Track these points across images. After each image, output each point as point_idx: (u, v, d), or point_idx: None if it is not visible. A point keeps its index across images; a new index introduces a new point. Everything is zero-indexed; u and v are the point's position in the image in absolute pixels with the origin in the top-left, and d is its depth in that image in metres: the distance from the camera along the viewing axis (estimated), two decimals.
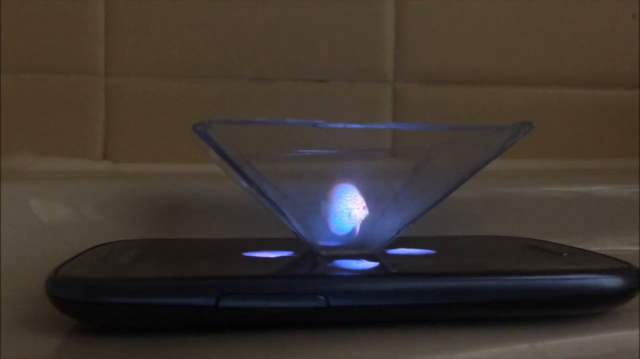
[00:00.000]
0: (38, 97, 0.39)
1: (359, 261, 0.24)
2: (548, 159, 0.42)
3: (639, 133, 0.43)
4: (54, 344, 0.20)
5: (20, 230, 0.32)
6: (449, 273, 0.23)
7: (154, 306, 0.20)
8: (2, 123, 0.38)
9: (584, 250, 0.27)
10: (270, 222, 0.27)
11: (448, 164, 0.27)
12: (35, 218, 0.33)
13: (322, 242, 0.26)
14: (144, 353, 0.19)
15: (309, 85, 0.40)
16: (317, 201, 0.26)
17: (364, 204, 0.26)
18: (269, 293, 0.20)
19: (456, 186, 0.25)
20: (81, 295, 0.20)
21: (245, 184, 0.24)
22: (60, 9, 0.39)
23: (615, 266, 0.23)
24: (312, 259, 0.25)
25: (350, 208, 0.26)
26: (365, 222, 0.26)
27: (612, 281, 0.22)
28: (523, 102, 0.42)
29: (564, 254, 0.26)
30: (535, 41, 0.42)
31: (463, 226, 0.35)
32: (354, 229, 0.26)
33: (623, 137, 0.43)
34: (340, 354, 0.20)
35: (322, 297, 0.20)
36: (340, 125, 0.24)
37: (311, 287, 0.21)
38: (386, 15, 0.41)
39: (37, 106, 0.39)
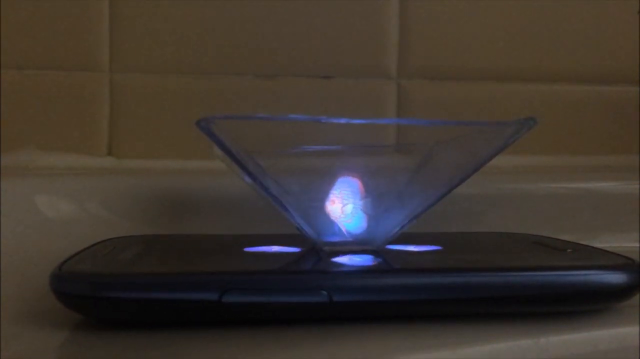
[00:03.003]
0: (43, 94, 0.39)
1: (362, 257, 0.24)
2: (551, 155, 0.42)
3: None
4: (58, 339, 0.20)
5: (24, 226, 0.33)
6: (452, 268, 0.23)
7: (158, 301, 0.20)
8: (7, 119, 0.38)
9: (588, 246, 0.27)
10: (273, 218, 0.27)
11: (451, 160, 0.27)
12: (40, 214, 0.33)
13: (325, 238, 0.26)
14: (147, 347, 0.19)
15: (314, 82, 0.40)
16: (321, 197, 0.26)
17: (367, 200, 0.26)
18: (272, 288, 0.21)
19: (459, 182, 0.25)
20: (85, 290, 0.20)
21: (248, 180, 0.24)
22: (64, 5, 0.39)
23: (619, 262, 0.23)
24: (315, 254, 0.25)
25: (353, 204, 0.26)
26: (369, 218, 0.26)
27: (615, 277, 0.22)
28: (526, 99, 0.42)
29: (568, 250, 0.26)
30: (538, 38, 0.42)
31: (466, 222, 0.35)
32: (357, 225, 0.26)
33: (625, 133, 0.43)
34: (343, 349, 0.20)
35: (325, 292, 0.21)
36: (343, 120, 0.24)
37: (314, 282, 0.21)
38: (390, 12, 0.41)
39: (41, 102, 0.39)
